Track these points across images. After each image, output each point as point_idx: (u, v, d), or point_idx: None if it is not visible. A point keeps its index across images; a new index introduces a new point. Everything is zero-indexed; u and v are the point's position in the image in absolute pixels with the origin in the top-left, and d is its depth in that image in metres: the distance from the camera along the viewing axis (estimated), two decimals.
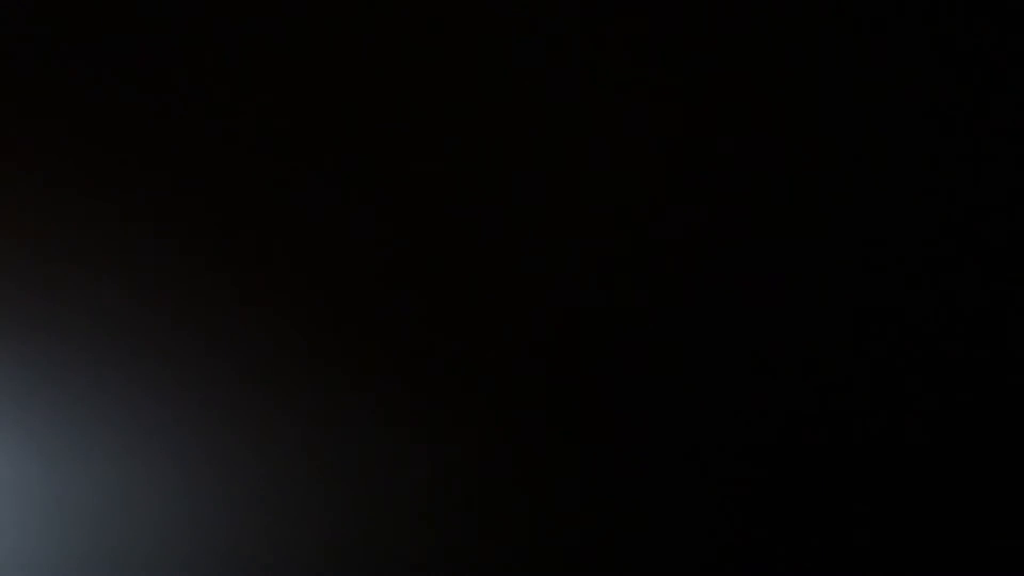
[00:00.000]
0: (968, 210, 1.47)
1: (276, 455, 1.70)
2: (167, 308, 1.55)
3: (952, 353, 1.61)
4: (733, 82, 1.36)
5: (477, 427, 1.67)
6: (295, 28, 1.31)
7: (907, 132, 1.40)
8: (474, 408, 1.65)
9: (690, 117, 1.38)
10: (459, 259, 1.50)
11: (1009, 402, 1.66)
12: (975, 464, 1.73)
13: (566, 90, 1.36)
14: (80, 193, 1.43)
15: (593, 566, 1.83)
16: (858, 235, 1.48)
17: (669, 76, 1.35)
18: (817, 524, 1.79)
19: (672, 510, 1.77)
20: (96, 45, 1.31)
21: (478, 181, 1.43)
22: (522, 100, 1.36)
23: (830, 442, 1.70)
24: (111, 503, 1.75)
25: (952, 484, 1.76)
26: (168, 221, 1.46)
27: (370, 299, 1.54)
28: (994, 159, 1.42)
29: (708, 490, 1.75)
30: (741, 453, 1.70)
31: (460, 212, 1.45)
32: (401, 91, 1.36)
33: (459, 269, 1.51)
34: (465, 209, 1.45)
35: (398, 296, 1.53)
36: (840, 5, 1.30)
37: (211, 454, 1.70)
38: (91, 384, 1.62)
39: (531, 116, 1.38)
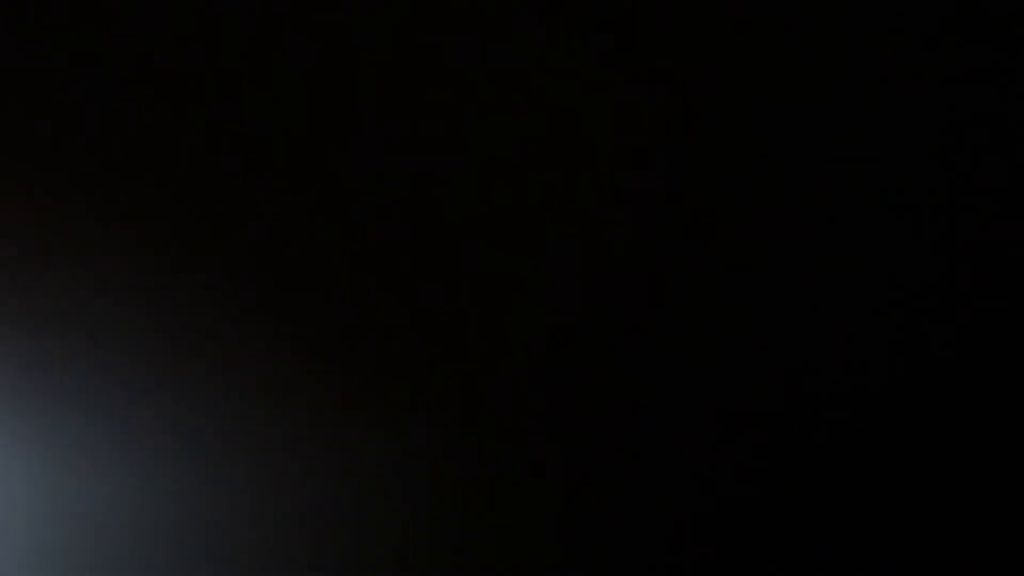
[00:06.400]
0: (968, 210, 1.47)
1: (271, 460, 1.71)
2: (162, 311, 1.55)
3: (952, 354, 1.61)
4: (732, 82, 1.36)
5: (476, 435, 1.68)
6: (291, 29, 1.31)
7: (907, 132, 1.40)
8: (473, 415, 1.66)
9: (687, 117, 1.38)
10: (455, 264, 1.50)
11: (1009, 402, 1.66)
12: (975, 464, 1.74)
13: (562, 90, 1.36)
14: (73, 196, 1.44)
15: (592, 568, 1.84)
16: (858, 235, 1.49)
17: (668, 76, 1.35)
18: (817, 526, 1.80)
19: (672, 513, 1.77)
20: (94, 45, 1.32)
21: (473, 184, 1.43)
22: (518, 101, 1.36)
23: (830, 442, 1.71)
24: (103, 507, 1.75)
25: (951, 484, 1.76)
26: (161, 224, 1.46)
27: (366, 303, 1.54)
28: (994, 160, 1.43)
29: (708, 492, 1.75)
30: (740, 455, 1.71)
31: (457, 214, 1.46)
32: (392, 97, 1.36)
33: (455, 274, 1.51)
34: (461, 212, 1.45)
35: (394, 300, 1.54)
36: (840, 5, 1.30)
37: (205, 459, 1.71)
38: (83, 388, 1.62)
39: (527, 116, 1.38)
